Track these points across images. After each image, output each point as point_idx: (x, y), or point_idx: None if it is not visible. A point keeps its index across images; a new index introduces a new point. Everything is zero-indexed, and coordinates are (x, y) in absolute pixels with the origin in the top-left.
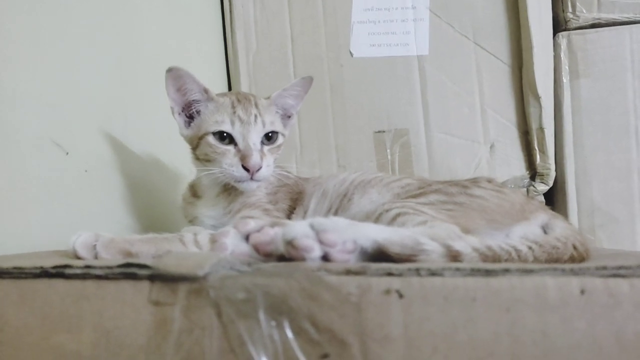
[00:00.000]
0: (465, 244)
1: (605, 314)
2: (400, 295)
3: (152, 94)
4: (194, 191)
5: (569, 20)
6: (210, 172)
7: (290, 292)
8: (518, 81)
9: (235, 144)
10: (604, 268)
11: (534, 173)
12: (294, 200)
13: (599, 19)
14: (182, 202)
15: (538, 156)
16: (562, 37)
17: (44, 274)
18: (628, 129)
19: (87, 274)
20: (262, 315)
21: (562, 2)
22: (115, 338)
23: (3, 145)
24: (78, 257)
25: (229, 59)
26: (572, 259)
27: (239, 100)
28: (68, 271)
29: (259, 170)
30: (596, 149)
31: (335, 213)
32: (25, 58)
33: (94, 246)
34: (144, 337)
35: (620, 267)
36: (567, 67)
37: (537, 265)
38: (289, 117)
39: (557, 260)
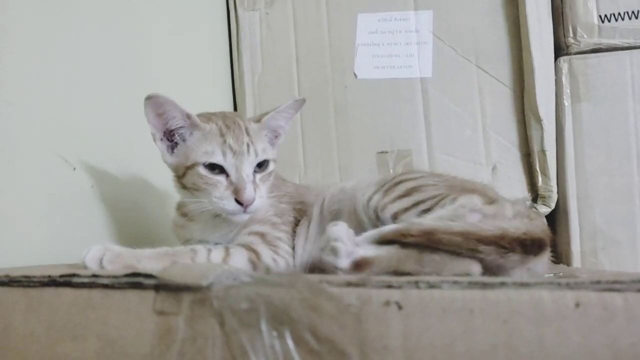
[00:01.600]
0: None
1: (599, 326)
2: (400, 307)
3: None
4: (184, 213)
5: (570, 45)
6: (199, 202)
7: (291, 302)
8: (520, 104)
9: (227, 175)
10: (598, 282)
11: (536, 195)
12: (297, 211)
13: (599, 44)
14: (173, 226)
15: (540, 178)
16: (564, 61)
17: (51, 282)
18: (629, 153)
19: (93, 283)
20: (264, 326)
21: (564, 27)
22: (120, 347)
23: (13, 160)
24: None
25: (234, 79)
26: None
27: (227, 126)
28: (75, 280)
29: (252, 203)
30: (598, 172)
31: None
32: (36, 76)
33: (101, 260)
34: (148, 346)
35: (614, 282)
36: (568, 91)
37: (533, 279)
38: (277, 137)
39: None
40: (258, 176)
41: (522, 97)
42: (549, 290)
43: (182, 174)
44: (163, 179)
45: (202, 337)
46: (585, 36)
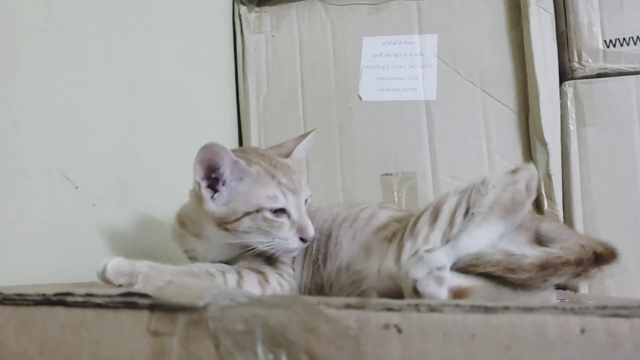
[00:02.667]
0: None
1: (605, 353)
2: (399, 330)
3: (163, 132)
4: (183, 224)
5: (575, 70)
6: (249, 243)
7: (288, 324)
8: (525, 127)
9: (288, 215)
10: (604, 307)
11: None
12: None
13: (605, 68)
14: (173, 234)
15: (546, 202)
16: (569, 85)
17: (45, 301)
18: (636, 178)
19: (87, 302)
20: (260, 348)
21: (568, 52)
22: None
23: (15, 177)
24: (108, 282)
25: (239, 100)
26: None
27: (273, 166)
28: (69, 299)
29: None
30: (604, 197)
31: (325, 259)
32: (41, 94)
33: (129, 274)
34: None
35: (620, 307)
36: (573, 115)
37: (536, 304)
38: None
39: None
40: (304, 210)
41: (527, 121)
42: (553, 315)
43: (234, 220)
44: (165, 200)
45: (196, 358)
46: (590, 61)
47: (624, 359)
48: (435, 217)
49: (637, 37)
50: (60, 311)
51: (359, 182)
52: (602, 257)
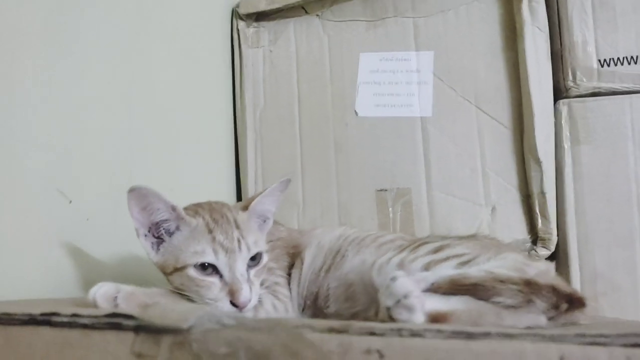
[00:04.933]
0: None
1: None
2: (381, 356)
3: (159, 147)
4: None
5: (569, 89)
6: (189, 299)
7: (272, 348)
8: (519, 145)
9: (220, 275)
10: (583, 335)
11: (535, 237)
12: (290, 255)
13: (599, 88)
14: None
15: (540, 221)
16: (563, 104)
17: (31, 321)
18: (630, 197)
19: (73, 323)
20: None
21: (563, 71)
22: None
23: (11, 192)
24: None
25: (236, 114)
26: None
27: (215, 220)
28: (55, 319)
29: (248, 304)
30: (598, 216)
31: (328, 270)
32: (38, 109)
33: (114, 297)
34: None
35: (599, 335)
36: (568, 134)
37: (517, 330)
38: (265, 221)
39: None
40: (252, 272)
41: (522, 139)
42: (532, 342)
43: (169, 273)
44: None
45: None
46: (584, 80)
47: None
48: (436, 251)
49: (632, 57)
50: (46, 331)
51: (355, 198)
52: (575, 299)
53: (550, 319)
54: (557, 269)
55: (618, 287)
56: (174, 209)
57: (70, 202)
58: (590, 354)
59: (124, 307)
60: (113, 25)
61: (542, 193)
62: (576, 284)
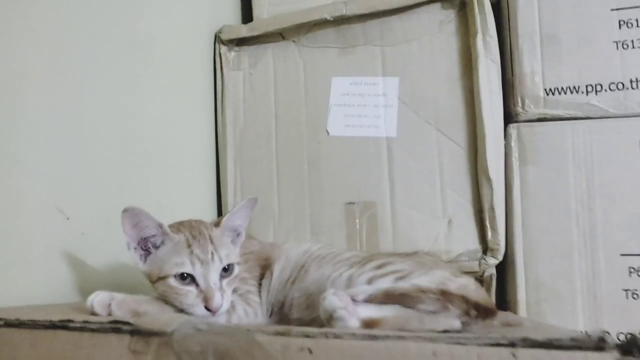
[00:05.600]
0: None
1: None
2: (310, 352)
3: (148, 165)
4: None
5: (518, 114)
6: (171, 304)
7: (232, 348)
8: (474, 165)
9: (197, 284)
10: (451, 337)
11: (486, 248)
12: (262, 267)
13: (545, 114)
14: None
15: (490, 233)
16: (513, 128)
17: (51, 325)
18: (569, 213)
19: (84, 327)
20: None
21: (513, 98)
22: None
23: (17, 213)
24: (94, 314)
25: (218, 132)
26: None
27: (193, 237)
28: (70, 324)
29: (220, 309)
30: (542, 229)
31: (294, 281)
32: (40, 137)
33: (109, 305)
34: None
35: (462, 337)
36: (516, 155)
37: (408, 333)
38: (238, 235)
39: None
40: (225, 281)
41: (476, 159)
42: (415, 342)
43: (154, 281)
44: None
45: None
46: (532, 106)
47: None
48: (379, 267)
49: (574, 87)
50: (63, 334)
51: (325, 210)
52: (483, 308)
53: (464, 323)
54: (506, 278)
55: (558, 294)
56: (160, 226)
57: (68, 218)
58: (454, 351)
59: (116, 313)
60: (108, 57)
61: (492, 208)
62: (522, 291)
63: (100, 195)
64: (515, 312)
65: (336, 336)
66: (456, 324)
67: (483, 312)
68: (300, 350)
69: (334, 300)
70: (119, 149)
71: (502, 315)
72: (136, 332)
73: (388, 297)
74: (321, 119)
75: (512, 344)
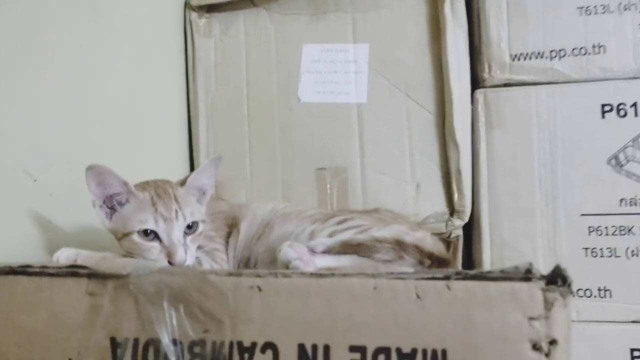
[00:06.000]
0: None
1: (388, 303)
2: (260, 290)
3: (115, 129)
4: None
5: (485, 79)
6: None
7: (186, 287)
8: (442, 129)
9: (160, 240)
10: (392, 273)
11: (452, 210)
12: (229, 226)
13: (510, 79)
14: None
15: (456, 195)
16: (480, 93)
17: (11, 271)
18: (532, 175)
19: (43, 272)
20: (165, 304)
21: (480, 64)
22: (61, 318)
23: None
24: None
25: (189, 100)
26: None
27: (158, 195)
28: (29, 269)
29: (183, 263)
30: (506, 191)
31: (259, 238)
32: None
33: (75, 260)
34: (82, 318)
35: (401, 273)
36: (483, 119)
37: (352, 272)
38: (204, 193)
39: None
40: (189, 238)
41: (444, 123)
42: (359, 278)
43: (119, 238)
44: None
45: (121, 311)
46: (498, 72)
47: (400, 307)
48: (340, 223)
49: (539, 52)
50: (23, 279)
51: (297, 176)
52: (436, 258)
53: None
54: (473, 238)
55: (521, 253)
56: (125, 184)
57: (35, 180)
58: (393, 285)
59: None
60: (70, 19)
61: (459, 171)
62: (487, 250)
63: (68, 158)
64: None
65: (285, 275)
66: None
67: (437, 261)
68: (250, 288)
69: (288, 251)
70: (86, 114)
71: None
72: (93, 275)
73: (346, 248)
74: (292, 85)
75: (446, 277)
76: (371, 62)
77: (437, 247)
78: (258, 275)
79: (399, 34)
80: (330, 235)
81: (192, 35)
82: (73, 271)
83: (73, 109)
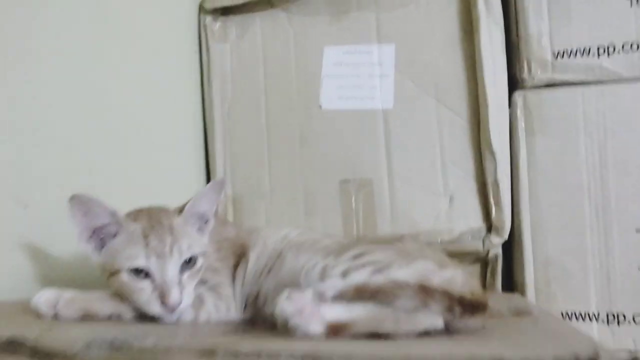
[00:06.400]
0: None
1: None
2: None
3: (122, 145)
4: None
5: (524, 80)
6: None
7: None
8: (476, 136)
9: (152, 279)
10: None
11: (490, 225)
12: (237, 255)
13: (553, 79)
14: None
15: (494, 209)
16: (519, 95)
17: None
18: (581, 186)
19: None
20: None
21: (519, 63)
22: None
23: None
24: (39, 314)
25: (205, 107)
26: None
27: (151, 226)
28: None
29: (178, 306)
30: (551, 204)
31: (269, 271)
32: None
33: (55, 305)
34: None
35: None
36: (523, 124)
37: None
38: (206, 222)
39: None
40: (186, 274)
41: (479, 130)
42: None
43: (108, 277)
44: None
45: None
46: (539, 71)
47: None
48: (356, 257)
49: (585, 49)
50: None
51: (319, 188)
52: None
53: (448, 322)
54: (513, 256)
55: (568, 272)
56: (113, 214)
57: (26, 206)
58: None
59: (64, 312)
60: (72, 25)
61: (496, 182)
62: (530, 270)
63: (65, 180)
64: (523, 294)
65: (270, 356)
66: (438, 322)
67: (469, 307)
68: None
69: (285, 306)
70: (88, 128)
71: (508, 299)
72: (37, 352)
73: (360, 293)
74: (313, 91)
75: None
76: (397, 64)
77: (470, 288)
78: (236, 356)
79: (427, 33)
80: (344, 273)
81: (206, 40)
82: (12, 347)
83: (73, 125)
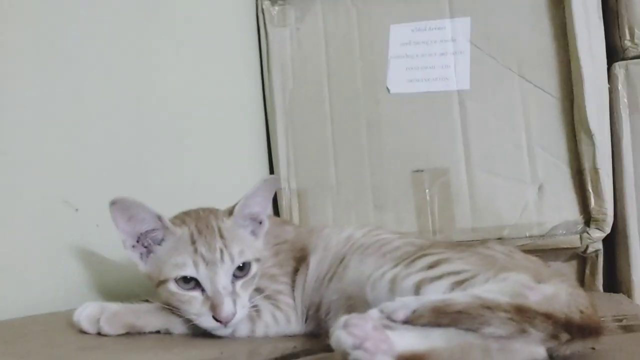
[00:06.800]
0: None
1: None
2: None
3: (177, 139)
4: None
5: (626, 49)
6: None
7: None
8: (569, 116)
9: (202, 289)
10: None
11: (588, 218)
12: (297, 260)
13: None
14: None
15: (592, 199)
16: (619, 67)
17: None
18: None
19: None
20: None
21: (619, 29)
22: None
23: (13, 208)
24: (82, 331)
25: (265, 96)
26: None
27: (199, 231)
28: None
29: (232, 319)
30: None
31: (331, 279)
32: (32, 123)
33: (98, 319)
34: None
35: None
36: (625, 100)
37: None
38: (261, 223)
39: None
40: (239, 283)
41: (572, 109)
42: None
43: (156, 286)
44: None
45: None
46: None
47: None
48: (431, 267)
49: None
50: None
51: (389, 180)
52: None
53: (552, 351)
54: (617, 251)
55: None
56: (159, 218)
57: (77, 210)
58: None
59: (106, 330)
60: (123, 17)
61: (595, 169)
62: (637, 268)
63: (117, 184)
64: (629, 295)
65: None
66: (539, 353)
67: (579, 332)
68: None
69: (342, 337)
70: (142, 125)
71: (613, 302)
72: None
73: (439, 316)
74: (379, 74)
75: None
76: (473, 40)
77: (577, 305)
78: None
79: (508, 2)
80: (417, 286)
81: (265, 25)
82: None
83: (125, 122)
